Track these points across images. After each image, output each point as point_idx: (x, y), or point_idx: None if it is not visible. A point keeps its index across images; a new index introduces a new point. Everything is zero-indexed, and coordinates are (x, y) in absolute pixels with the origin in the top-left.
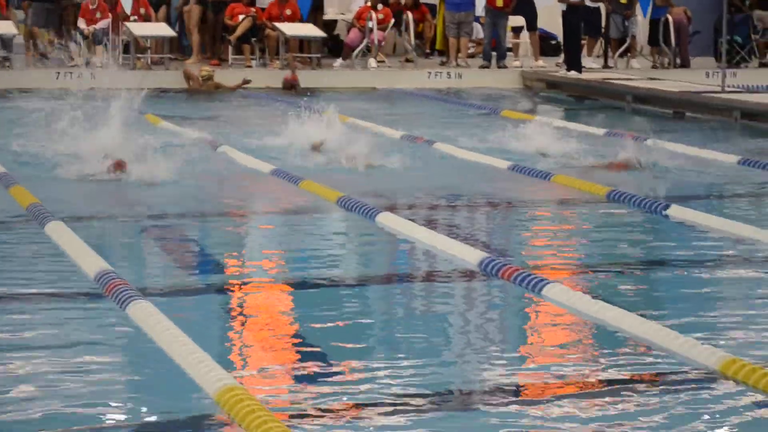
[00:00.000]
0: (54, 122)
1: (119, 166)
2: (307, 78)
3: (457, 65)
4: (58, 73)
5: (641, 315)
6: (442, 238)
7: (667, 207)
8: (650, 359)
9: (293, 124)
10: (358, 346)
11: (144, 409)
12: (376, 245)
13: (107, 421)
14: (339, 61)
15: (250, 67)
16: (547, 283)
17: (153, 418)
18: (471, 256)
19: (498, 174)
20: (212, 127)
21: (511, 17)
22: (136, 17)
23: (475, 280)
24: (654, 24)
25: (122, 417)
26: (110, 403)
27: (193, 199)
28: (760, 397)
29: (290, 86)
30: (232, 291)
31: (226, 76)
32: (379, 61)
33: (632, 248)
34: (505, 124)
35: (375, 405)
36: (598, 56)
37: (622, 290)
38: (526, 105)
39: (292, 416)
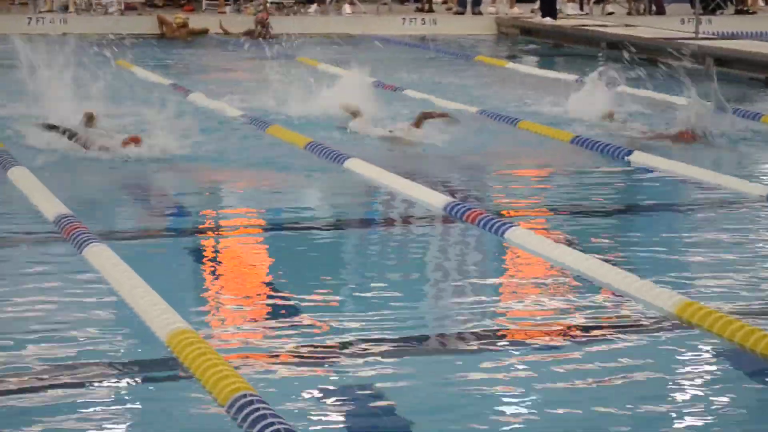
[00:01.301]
0: (22, 67)
1: (134, 140)
2: (280, 24)
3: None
4: (30, 18)
5: (602, 259)
6: (408, 183)
7: (629, 153)
8: (609, 303)
9: (263, 69)
10: (319, 290)
11: (96, 351)
12: (344, 191)
13: (60, 362)
14: (314, 6)
15: (223, 13)
16: (510, 226)
17: (105, 360)
18: (436, 200)
19: (467, 119)
20: (185, 74)
21: None
22: None
23: (440, 223)
24: None
25: (74, 358)
26: (63, 345)
27: (161, 147)
28: (715, 340)
29: (261, 26)
30: (196, 236)
31: (200, 23)
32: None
33: (595, 193)
34: (480, 70)
35: (333, 348)
36: (574, 2)
37: (583, 234)
38: (500, 51)
39: (245, 359)
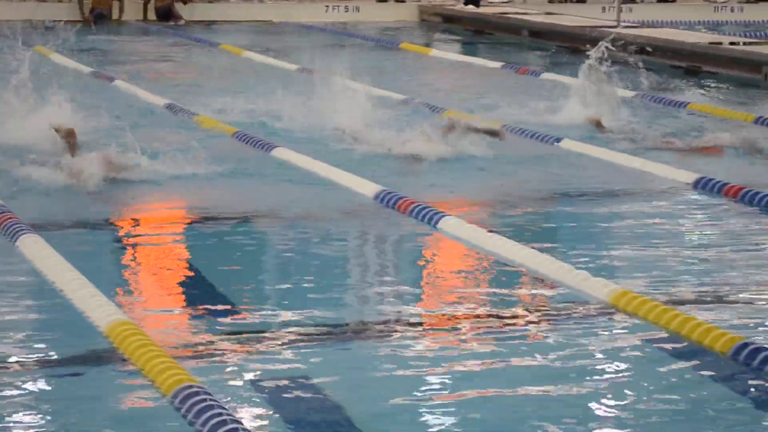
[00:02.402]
0: None
1: (69, 135)
2: (201, 10)
3: None
4: None
5: (536, 248)
6: (339, 172)
7: (559, 140)
8: (544, 292)
9: (185, 54)
10: (253, 281)
11: (35, 344)
12: (273, 179)
13: None
14: None
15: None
16: (443, 216)
17: (43, 353)
18: (367, 188)
19: (389, 105)
20: (106, 60)
21: None
22: None
23: (372, 212)
24: None
25: (12, 351)
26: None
27: (86, 134)
28: (649, 328)
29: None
30: (128, 227)
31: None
32: None
33: (528, 182)
34: (404, 57)
35: (267, 338)
36: None
37: (518, 223)
38: (424, 39)
39: (182, 351)
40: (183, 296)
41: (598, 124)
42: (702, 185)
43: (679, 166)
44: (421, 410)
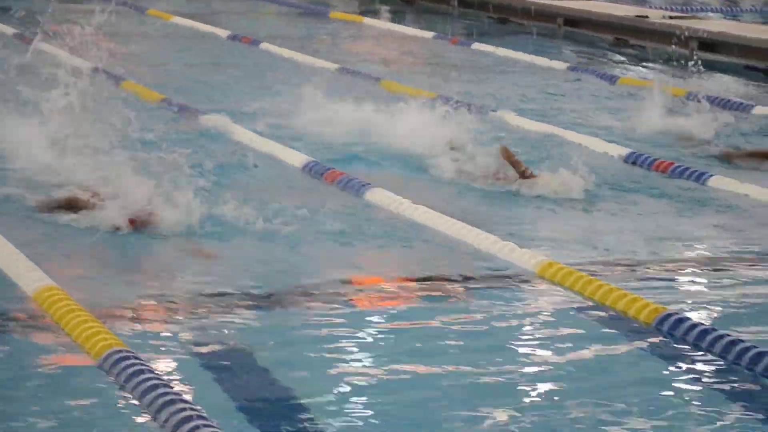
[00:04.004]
0: None
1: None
2: None
3: None
4: None
5: (464, 220)
6: (265, 141)
7: (494, 111)
8: (472, 263)
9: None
10: (177, 243)
11: None
12: (199, 147)
13: None
14: None
15: None
16: (370, 186)
17: None
18: (295, 159)
19: (323, 74)
20: (29, 23)
21: None
22: None
23: (300, 183)
24: None
25: None
26: None
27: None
28: (574, 297)
29: None
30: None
31: None
32: None
33: (452, 155)
34: (336, 26)
35: (195, 304)
36: None
37: (445, 196)
38: (354, 7)
39: (110, 316)
40: (109, 262)
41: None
42: (633, 160)
43: (610, 140)
44: (346, 376)
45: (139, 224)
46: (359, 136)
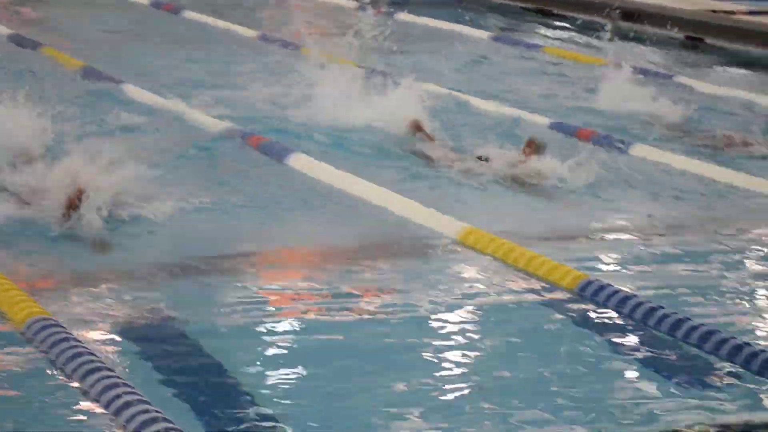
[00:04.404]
0: None
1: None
2: None
3: None
4: None
5: (386, 186)
6: (185, 108)
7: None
8: (394, 230)
9: None
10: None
11: None
12: (122, 113)
13: None
14: None
15: None
16: (292, 152)
17: None
18: (216, 125)
19: (244, 42)
20: None
21: None
22: None
23: (222, 147)
24: None
25: None
26: None
27: None
28: (493, 262)
29: None
30: None
31: None
32: None
33: (382, 119)
34: None
35: (119, 272)
36: None
37: (372, 163)
38: None
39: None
40: (32, 228)
41: (418, 129)
42: (556, 127)
43: (532, 111)
44: (268, 346)
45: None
46: (279, 105)
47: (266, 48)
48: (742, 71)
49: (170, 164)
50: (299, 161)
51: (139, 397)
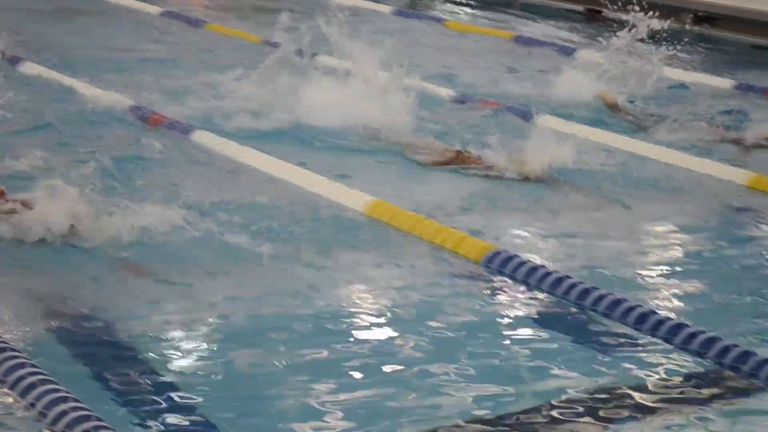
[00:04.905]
0: None
1: None
2: None
3: None
4: None
5: (290, 161)
6: (84, 85)
7: (315, 56)
8: (300, 203)
9: None
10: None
11: None
12: (30, 94)
13: None
14: None
15: None
16: (194, 129)
17: None
18: (120, 103)
19: (149, 21)
20: None
21: None
22: None
23: (125, 127)
24: None
25: None
26: None
27: None
28: (403, 237)
29: None
30: None
31: None
32: None
33: (283, 98)
34: None
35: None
36: None
37: (273, 137)
38: None
39: None
40: None
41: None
42: (460, 98)
43: (440, 85)
44: (175, 325)
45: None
46: (183, 81)
47: (170, 23)
48: (648, 43)
49: (69, 141)
50: (202, 138)
51: (44, 377)
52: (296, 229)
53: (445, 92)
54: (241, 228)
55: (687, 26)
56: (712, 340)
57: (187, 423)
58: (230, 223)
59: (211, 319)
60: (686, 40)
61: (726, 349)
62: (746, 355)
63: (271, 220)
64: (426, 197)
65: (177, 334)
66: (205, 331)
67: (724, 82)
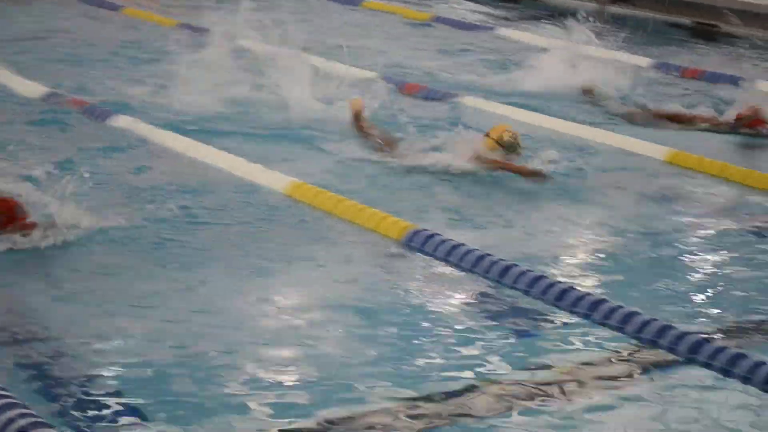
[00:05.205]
0: None
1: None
2: None
3: None
4: None
5: (213, 144)
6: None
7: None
8: (221, 184)
9: None
10: None
11: None
12: None
13: None
14: None
15: None
16: (114, 113)
17: None
18: (34, 90)
19: (67, 3)
20: None
21: None
22: None
23: (40, 110)
24: None
25: None
26: None
27: None
28: (324, 218)
29: None
30: None
31: None
32: None
33: (203, 83)
34: None
35: None
36: None
37: (199, 122)
38: None
39: None
40: None
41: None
42: (387, 78)
43: (355, 64)
44: (107, 310)
45: None
46: (101, 66)
47: (85, 8)
48: (565, 22)
49: None
50: (121, 122)
51: None
52: (217, 211)
53: (363, 73)
54: (164, 210)
55: (604, 6)
56: (630, 315)
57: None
58: (153, 204)
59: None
60: (602, 20)
61: (645, 323)
62: (665, 329)
63: (193, 202)
64: (345, 177)
65: (98, 324)
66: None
67: (642, 60)
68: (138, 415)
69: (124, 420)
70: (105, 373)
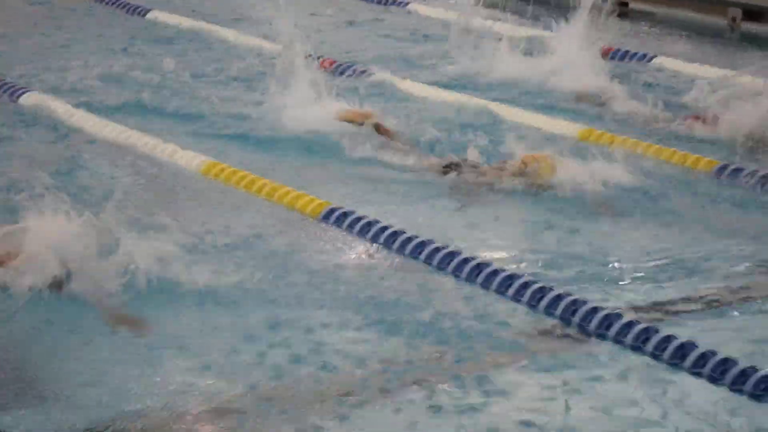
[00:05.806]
0: None
1: None
2: None
3: None
4: None
5: (126, 125)
6: None
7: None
8: (136, 165)
9: None
10: None
11: None
12: None
13: None
14: None
15: None
16: (25, 91)
17: None
18: None
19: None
20: None
21: None
22: None
23: None
24: None
25: None
26: None
27: None
28: (239, 196)
29: None
30: None
31: None
32: None
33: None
34: None
35: None
36: None
37: (96, 100)
38: None
39: None
40: None
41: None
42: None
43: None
44: None
45: None
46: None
47: None
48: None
49: None
50: (30, 99)
51: None
52: (134, 190)
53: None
54: (80, 189)
55: None
56: (542, 290)
57: None
58: (64, 186)
59: None
60: None
61: (558, 298)
62: (575, 303)
63: (111, 184)
64: (259, 157)
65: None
66: None
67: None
68: None
69: None
70: None
